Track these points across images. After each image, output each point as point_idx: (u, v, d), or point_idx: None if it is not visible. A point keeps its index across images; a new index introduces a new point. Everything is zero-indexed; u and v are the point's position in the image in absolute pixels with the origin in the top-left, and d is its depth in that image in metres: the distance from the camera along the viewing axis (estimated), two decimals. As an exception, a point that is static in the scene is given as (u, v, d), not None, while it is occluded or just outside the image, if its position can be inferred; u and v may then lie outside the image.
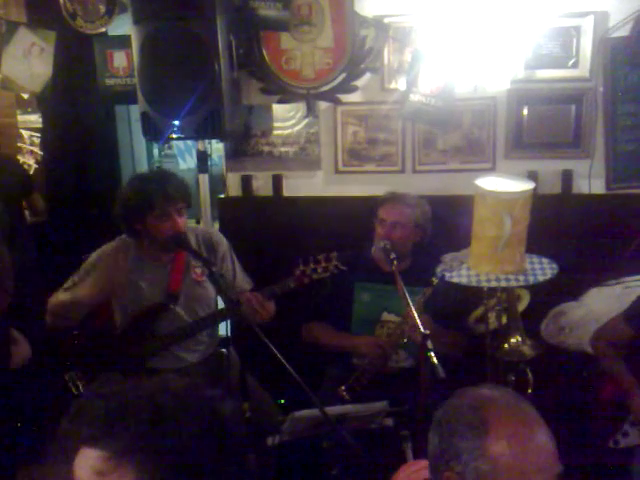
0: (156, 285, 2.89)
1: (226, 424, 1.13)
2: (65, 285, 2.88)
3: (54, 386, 2.83)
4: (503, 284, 2.75)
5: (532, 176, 3.35)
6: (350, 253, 2.94)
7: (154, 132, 3.18)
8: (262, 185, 3.77)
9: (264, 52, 3.50)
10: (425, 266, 3.00)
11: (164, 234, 2.75)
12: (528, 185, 2.77)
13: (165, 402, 1.10)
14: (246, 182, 3.76)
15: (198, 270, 2.93)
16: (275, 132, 3.69)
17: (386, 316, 3.11)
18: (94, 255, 2.91)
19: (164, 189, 2.73)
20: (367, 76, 3.50)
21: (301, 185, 3.73)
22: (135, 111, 3.79)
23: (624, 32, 3.26)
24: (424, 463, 1.58)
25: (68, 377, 2.84)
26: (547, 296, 3.10)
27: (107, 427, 1.07)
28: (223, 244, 3.01)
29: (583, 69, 3.32)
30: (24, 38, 3.71)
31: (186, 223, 2.84)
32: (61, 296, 2.87)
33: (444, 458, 1.40)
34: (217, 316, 2.94)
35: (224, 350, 3.04)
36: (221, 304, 2.98)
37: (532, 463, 1.36)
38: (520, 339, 2.83)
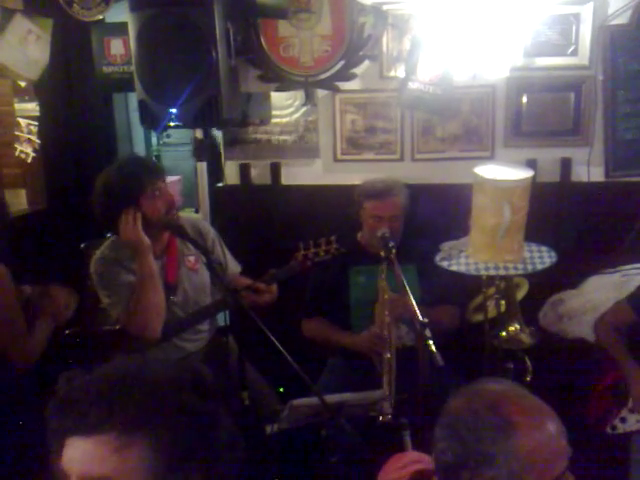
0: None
1: (207, 386, 1.19)
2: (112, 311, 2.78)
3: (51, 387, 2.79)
4: (502, 272, 2.75)
5: (531, 164, 3.35)
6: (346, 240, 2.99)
7: (152, 120, 3.16)
8: (260, 173, 3.77)
9: (262, 39, 3.47)
10: (413, 243, 3.14)
11: (161, 210, 2.71)
12: (527, 173, 2.77)
13: (154, 372, 1.17)
14: (244, 170, 3.75)
15: (191, 258, 2.92)
16: (273, 120, 3.68)
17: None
18: (99, 266, 2.80)
19: (146, 166, 2.74)
20: (366, 64, 3.48)
21: (299, 173, 3.73)
22: (133, 99, 3.77)
23: (624, 19, 3.25)
24: (413, 456, 1.57)
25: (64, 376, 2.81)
26: (546, 284, 3.10)
27: (109, 408, 1.09)
28: (211, 231, 3.02)
29: (582, 57, 3.31)
30: (20, 25, 3.68)
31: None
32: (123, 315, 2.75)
33: (470, 466, 1.36)
34: (217, 306, 2.94)
35: (223, 338, 3.05)
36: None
37: (554, 448, 1.37)
38: (519, 327, 2.84)
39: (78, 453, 1.11)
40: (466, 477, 1.37)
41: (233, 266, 3.07)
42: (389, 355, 2.87)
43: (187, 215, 3.29)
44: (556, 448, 1.37)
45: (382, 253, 2.96)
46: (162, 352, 2.85)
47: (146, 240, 2.68)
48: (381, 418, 2.61)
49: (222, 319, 3.07)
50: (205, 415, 1.15)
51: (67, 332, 2.98)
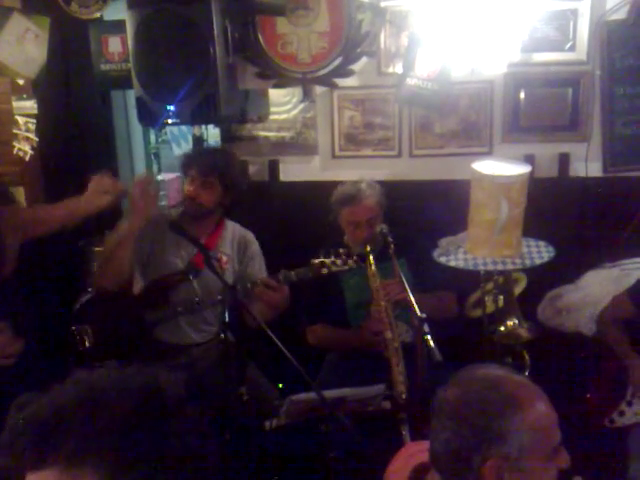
0: (183, 253, 3.00)
1: (166, 399, 1.08)
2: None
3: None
4: (500, 268, 2.76)
5: (529, 160, 3.34)
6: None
7: (149, 117, 3.17)
8: (258, 170, 3.77)
9: (260, 36, 3.48)
10: (402, 236, 3.09)
11: (185, 196, 2.98)
12: (525, 168, 2.78)
13: (105, 391, 1.06)
14: (242, 167, 3.75)
15: (224, 257, 3.04)
16: (271, 117, 3.69)
17: None
18: (154, 216, 3.00)
19: (198, 157, 3.05)
20: (364, 60, 3.49)
21: (298, 170, 3.73)
22: (131, 97, 3.77)
23: (621, 15, 3.25)
24: (425, 445, 1.58)
25: (76, 330, 2.90)
26: (544, 279, 3.11)
27: (49, 443, 1.01)
28: (254, 244, 3.16)
29: (580, 52, 3.31)
30: (18, 24, 3.67)
31: (211, 199, 2.97)
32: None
33: (483, 448, 1.38)
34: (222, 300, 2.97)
35: (221, 335, 3.06)
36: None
37: (551, 417, 1.43)
38: (517, 322, 2.85)
39: None
40: (477, 461, 1.39)
41: None
42: (390, 335, 2.84)
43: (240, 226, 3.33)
44: (552, 416, 1.43)
45: (367, 249, 2.99)
46: (169, 334, 2.99)
47: (141, 206, 2.85)
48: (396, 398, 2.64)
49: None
50: (160, 432, 1.05)
51: (83, 297, 3.04)
